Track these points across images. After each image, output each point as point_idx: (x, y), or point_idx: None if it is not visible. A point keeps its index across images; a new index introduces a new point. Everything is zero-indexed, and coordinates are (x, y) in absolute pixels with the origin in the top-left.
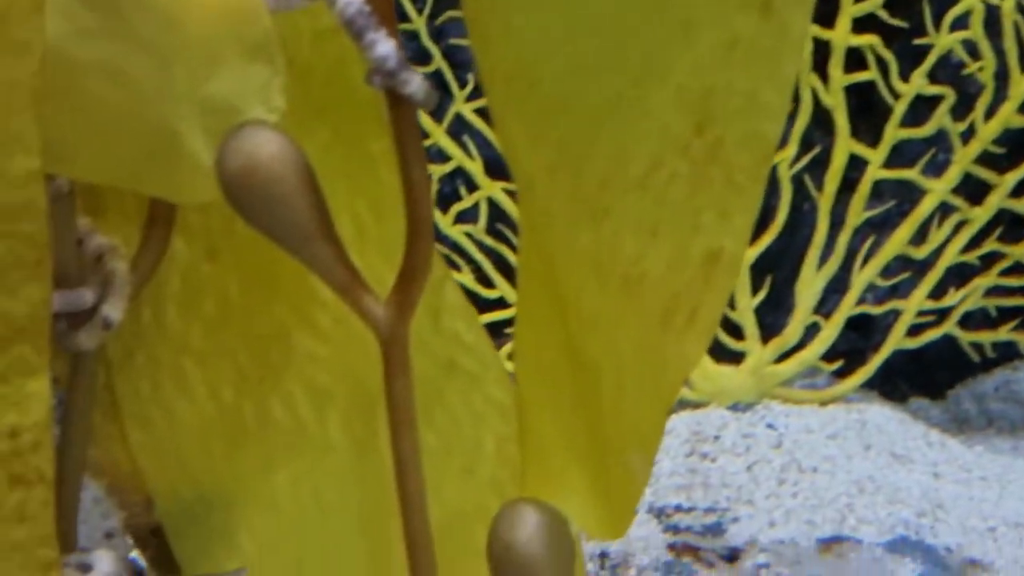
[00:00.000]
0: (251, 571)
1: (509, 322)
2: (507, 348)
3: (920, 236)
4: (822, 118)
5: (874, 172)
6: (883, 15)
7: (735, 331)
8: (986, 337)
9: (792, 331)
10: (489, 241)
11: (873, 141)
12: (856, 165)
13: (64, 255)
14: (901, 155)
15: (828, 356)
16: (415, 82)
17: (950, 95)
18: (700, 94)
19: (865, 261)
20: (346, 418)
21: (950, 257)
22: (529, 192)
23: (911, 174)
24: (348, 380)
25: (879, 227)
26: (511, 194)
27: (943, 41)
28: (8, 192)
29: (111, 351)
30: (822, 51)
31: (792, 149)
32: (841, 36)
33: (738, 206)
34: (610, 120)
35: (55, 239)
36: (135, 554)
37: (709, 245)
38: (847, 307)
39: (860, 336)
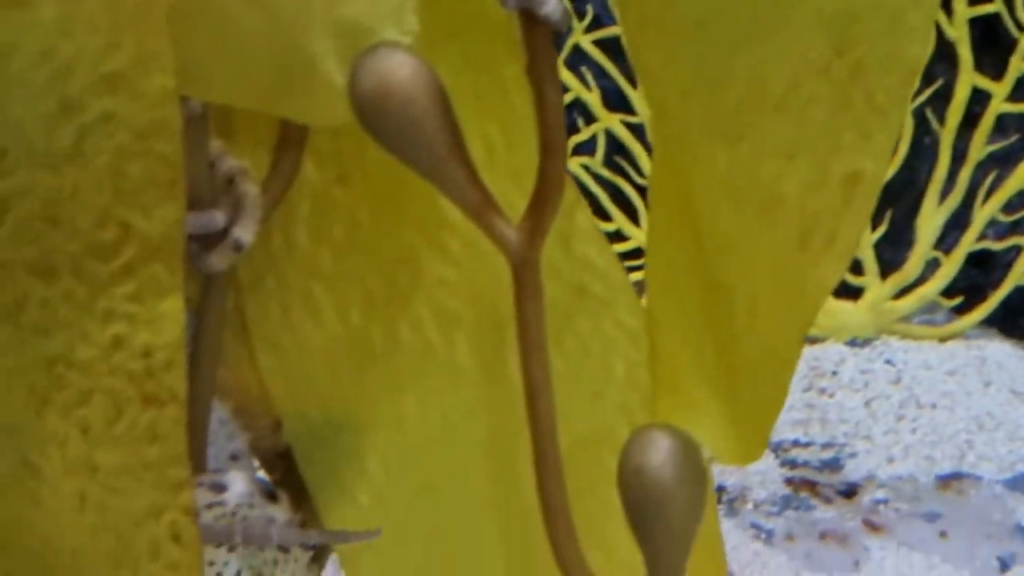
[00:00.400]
0: (378, 494)
1: (625, 255)
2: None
3: None
4: (945, 51)
5: (997, 106)
6: None
7: (854, 266)
8: None
9: (912, 267)
10: (606, 174)
11: (997, 74)
12: (979, 99)
13: (196, 177)
14: None
15: (948, 292)
16: (551, 2)
17: None
18: (841, 15)
19: (987, 196)
20: (475, 342)
21: None
22: (663, 114)
23: None
24: (477, 304)
25: (1002, 162)
26: (629, 126)
27: None
28: (144, 111)
29: (241, 274)
30: None
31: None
32: None
33: (879, 128)
34: (747, 41)
35: (188, 161)
36: (261, 476)
37: (849, 167)
38: (968, 243)
39: (980, 272)
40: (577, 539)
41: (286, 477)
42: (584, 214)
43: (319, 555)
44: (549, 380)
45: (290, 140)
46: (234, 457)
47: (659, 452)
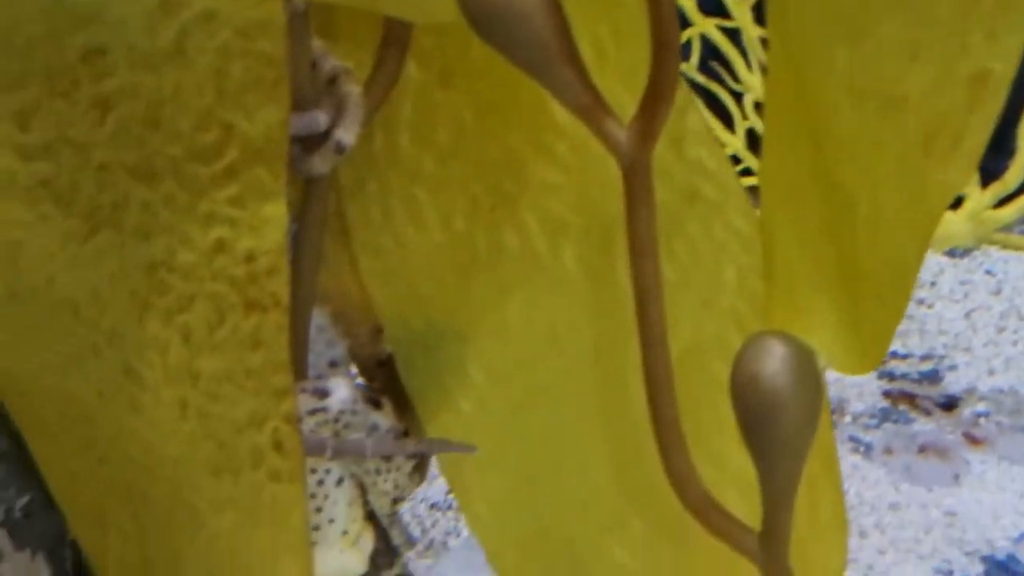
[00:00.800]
0: (481, 402)
1: None
2: None
3: None
4: None
5: None
6: None
7: None
8: None
9: (1013, 176)
10: (701, 79)
11: None
12: None
13: (298, 77)
14: None
15: None
16: None
17: None
18: None
19: None
20: (581, 248)
21: None
22: (781, 11)
23: None
24: (584, 209)
25: None
26: (724, 31)
27: None
28: (247, 8)
29: (343, 177)
30: None
31: None
32: None
33: (1008, 26)
34: None
35: (290, 60)
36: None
37: (976, 66)
38: None
39: None
40: (688, 451)
41: (386, 386)
42: (696, 115)
43: (421, 463)
44: (660, 287)
45: (393, 40)
46: (333, 364)
47: (774, 360)
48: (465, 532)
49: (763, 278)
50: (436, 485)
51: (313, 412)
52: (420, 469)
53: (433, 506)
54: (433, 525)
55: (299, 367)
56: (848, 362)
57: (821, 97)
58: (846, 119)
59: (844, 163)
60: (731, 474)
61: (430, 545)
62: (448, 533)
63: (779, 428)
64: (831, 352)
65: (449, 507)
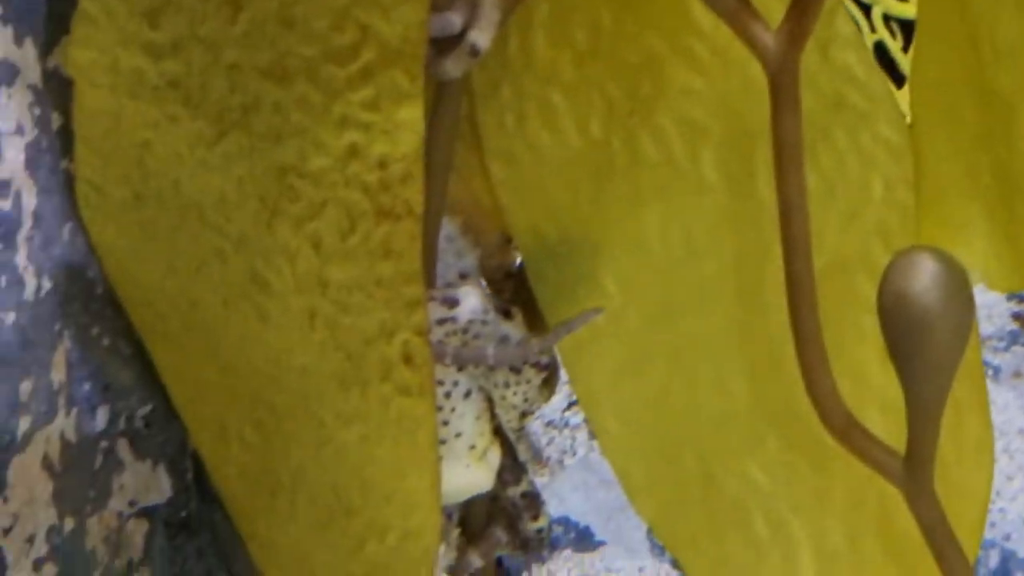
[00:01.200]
0: (615, 316)
1: None
2: None
3: None
4: None
5: None
6: None
7: None
8: None
9: None
10: None
11: None
12: None
13: None
14: None
15: None
16: None
17: None
18: None
19: None
20: (722, 156)
21: None
22: None
23: None
24: (725, 115)
25: None
26: None
27: None
28: None
29: (476, 82)
30: None
31: None
32: None
33: None
34: None
35: None
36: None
37: None
38: None
39: None
40: (830, 368)
41: (515, 298)
42: (844, 19)
43: (550, 377)
44: (805, 197)
45: None
46: (463, 276)
47: (924, 276)
48: (581, 451)
49: (912, 189)
50: (552, 402)
51: (442, 322)
52: (549, 382)
53: (549, 424)
54: (549, 443)
55: (428, 278)
56: (1000, 278)
57: (980, 2)
58: (1007, 23)
59: (1004, 69)
60: (872, 393)
61: (545, 463)
62: (564, 452)
63: (928, 347)
64: (984, 268)
65: (565, 425)
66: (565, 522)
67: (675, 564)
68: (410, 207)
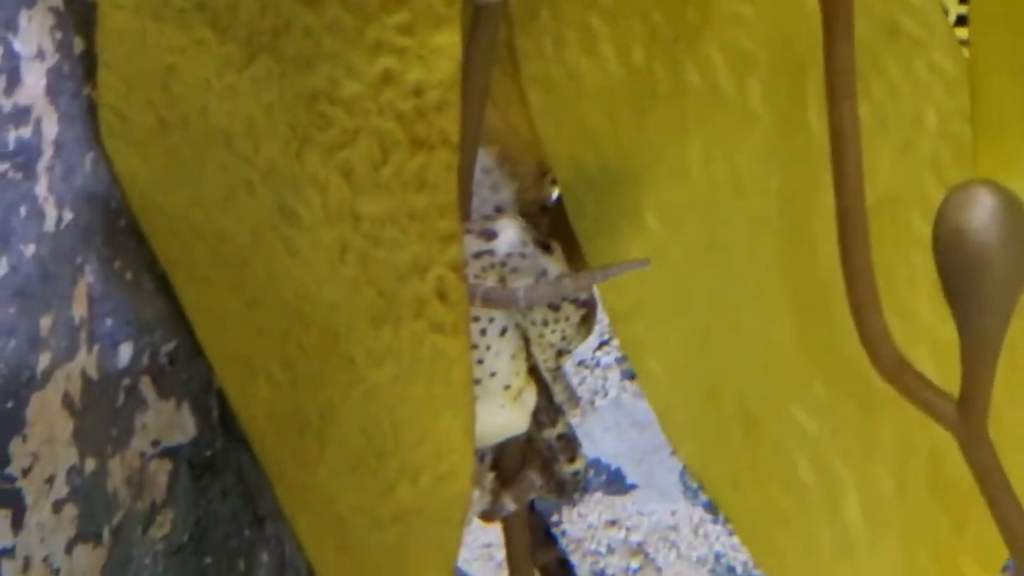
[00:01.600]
0: (657, 252)
1: None
2: None
3: None
4: None
5: None
6: None
7: None
8: None
9: None
10: None
11: None
12: None
13: None
14: None
15: None
16: None
17: None
18: None
19: None
20: (769, 86)
21: None
22: None
23: None
24: (774, 44)
25: None
26: None
27: None
28: None
29: (514, 6)
30: None
31: None
32: None
33: None
34: None
35: None
36: None
37: None
38: None
39: None
40: (880, 306)
41: (552, 232)
42: None
43: (588, 314)
44: (857, 128)
45: None
46: (499, 209)
47: (981, 211)
48: (612, 392)
49: (969, 122)
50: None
51: (479, 255)
52: (587, 320)
53: (580, 363)
54: (580, 383)
55: (464, 211)
56: None
57: None
58: None
59: None
60: (924, 333)
61: (577, 399)
62: (595, 392)
63: (985, 286)
64: None
65: (597, 364)
66: (596, 464)
67: (709, 508)
68: (445, 136)
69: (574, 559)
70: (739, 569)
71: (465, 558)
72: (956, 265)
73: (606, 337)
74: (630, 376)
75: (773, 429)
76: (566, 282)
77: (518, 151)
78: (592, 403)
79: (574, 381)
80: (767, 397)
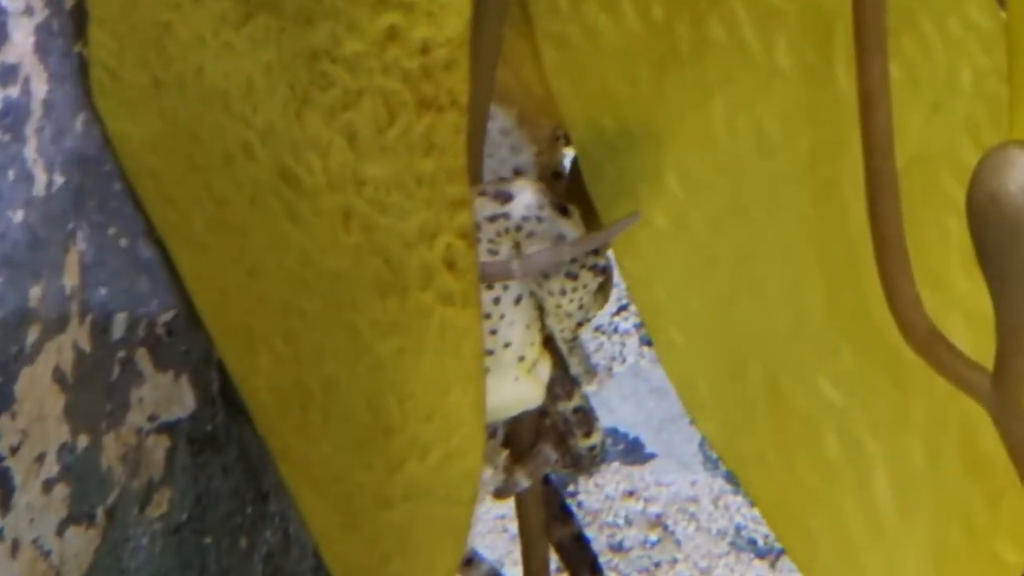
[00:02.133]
0: (678, 215)
1: None
2: None
3: None
4: None
5: None
6: None
7: None
8: None
9: None
10: None
11: None
12: None
13: None
14: None
15: None
16: None
17: None
18: None
19: None
20: (797, 43)
21: None
22: None
23: None
24: None
25: None
26: None
27: None
28: None
29: None
30: None
31: None
32: None
33: None
34: None
35: None
36: None
37: None
38: None
39: None
40: (911, 273)
41: (569, 197)
42: None
43: (605, 283)
44: (888, 86)
45: None
46: (518, 172)
47: (1018, 174)
48: (631, 358)
49: (1005, 81)
50: None
51: (493, 219)
52: (604, 288)
53: (597, 329)
54: (597, 349)
55: (474, 175)
56: None
57: None
58: None
59: None
60: (957, 302)
61: (594, 371)
62: (613, 358)
63: (1022, 252)
64: None
65: (615, 330)
66: (613, 433)
67: (729, 479)
68: (454, 97)
69: (590, 531)
70: (760, 542)
71: (477, 531)
72: (991, 230)
73: (624, 302)
74: (649, 342)
75: (799, 401)
76: (563, 248)
77: (533, 112)
78: (609, 370)
79: (591, 347)
80: (793, 368)
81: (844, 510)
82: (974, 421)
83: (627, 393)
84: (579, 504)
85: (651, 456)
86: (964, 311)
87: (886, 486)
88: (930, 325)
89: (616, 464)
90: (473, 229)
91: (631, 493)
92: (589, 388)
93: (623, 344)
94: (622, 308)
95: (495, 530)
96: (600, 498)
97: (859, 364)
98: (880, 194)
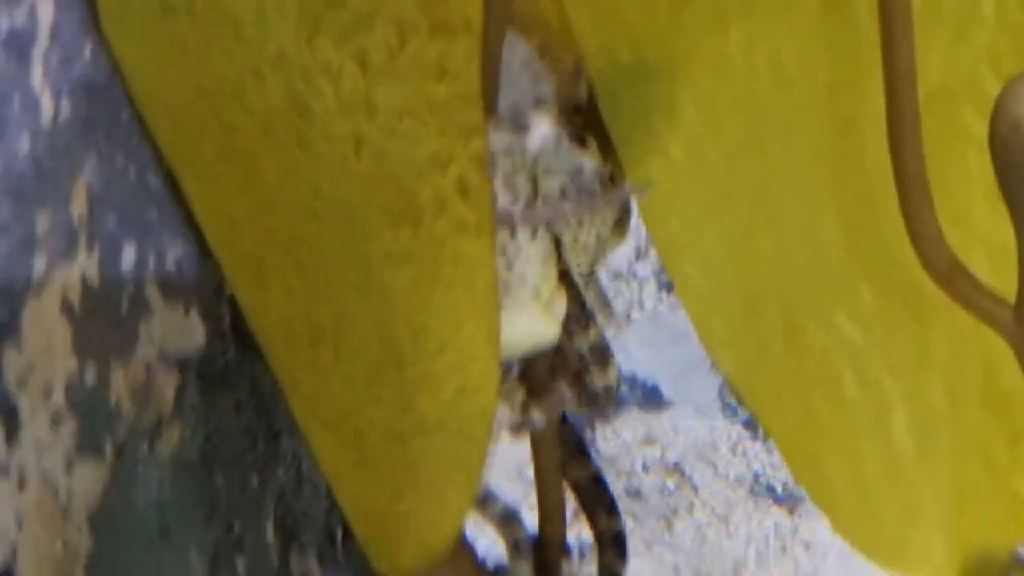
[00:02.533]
0: (694, 147)
1: None
2: None
3: None
4: None
5: None
6: None
7: None
8: None
9: None
10: None
11: None
12: None
13: None
14: None
15: None
16: None
17: None
18: None
19: None
20: None
21: None
22: None
23: None
24: None
25: None
26: None
27: None
28: None
29: None
30: None
31: None
32: None
33: None
34: None
35: None
36: None
37: None
38: None
39: None
40: (933, 207)
41: (584, 128)
42: None
43: (623, 217)
44: (909, 18)
45: None
46: (539, 102)
47: None
48: (649, 304)
49: None
50: (619, 252)
51: (508, 152)
52: (622, 223)
53: (616, 276)
54: (615, 296)
55: (489, 103)
56: None
57: None
58: None
59: None
60: (978, 236)
61: (611, 307)
62: (631, 305)
63: None
64: None
65: (633, 276)
66: (632, 380)
67: (748, 425)
68: (467, 22)
69: (607, 478)
70: (779, 489)
71: (496, 476)
72: (1014, 162)
73: (643, 247)
74: (668, 288)
75: (816, 338)
76: (564, 206)
77: (556, 45)
78: (628, 316)
79: (609, 293)
80: (810, 304)
81: (861, 449)
82: (994, 358)
83: (645, 339)
84: (597, 451)
85: (669, 403)
86: (986, 247)
87: (904, 425)
88: (952, 258)
89: (634, 411)
90: (488, 157)
91: (649, 440)
92: (608, 332)
93: (641, 290)
94: (641, 255)
95: (511, 477)
96: (617, 444)
97: (878, 301)
98: (901, 127)
